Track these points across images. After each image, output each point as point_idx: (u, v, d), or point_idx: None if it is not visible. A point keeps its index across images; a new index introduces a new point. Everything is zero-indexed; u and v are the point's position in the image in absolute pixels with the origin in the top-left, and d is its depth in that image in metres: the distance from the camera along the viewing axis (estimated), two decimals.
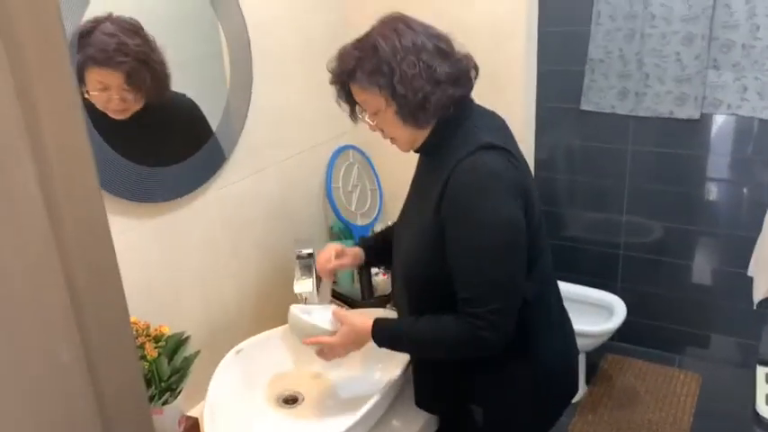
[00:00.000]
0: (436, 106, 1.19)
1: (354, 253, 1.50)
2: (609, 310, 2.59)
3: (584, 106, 2.73)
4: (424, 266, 1.26)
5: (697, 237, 2.74)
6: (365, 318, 1.31)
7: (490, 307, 1.14)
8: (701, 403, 2.61)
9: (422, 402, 1.41)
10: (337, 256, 1.47)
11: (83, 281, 0.46)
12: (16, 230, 0.43)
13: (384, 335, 1.27)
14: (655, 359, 2.88)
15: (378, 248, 1.47)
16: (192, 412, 1.43)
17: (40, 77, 0.44)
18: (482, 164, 1.15)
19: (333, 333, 1.32)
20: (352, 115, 1.30)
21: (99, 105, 1.24)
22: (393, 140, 1.29)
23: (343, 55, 1.22)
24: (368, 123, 1.28)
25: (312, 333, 1.33)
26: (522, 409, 1.32)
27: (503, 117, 1.35)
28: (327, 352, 1.33)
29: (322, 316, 1.36)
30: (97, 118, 1.24)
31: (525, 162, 1.28)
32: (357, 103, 1.27)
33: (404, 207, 1.41)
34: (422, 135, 1.25)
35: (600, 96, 2.69)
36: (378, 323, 1.28)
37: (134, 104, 1.30)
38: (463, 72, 1.22)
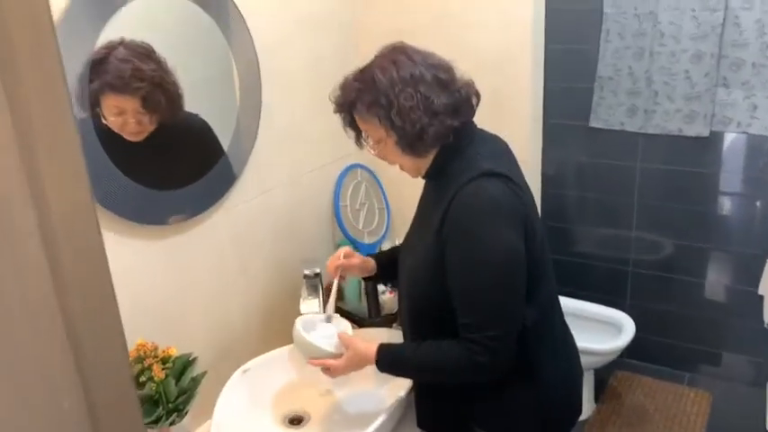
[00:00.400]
0: (434, 137, 1.20)
1: (365, 259, 1.51)
2: (617, 328, 2.58)
3: (594, 123, 2.73)
4: (426, 286, 1.27)
5: (707, 254, 2.72)
6: (369, 344, 1.32)
7: (488, 333, 1.16)
8: (712, 422, 2.58)
9: (424, 424, 1.41)
10: (346, 256, 1.48)
11: (82, 327, 0.47)
12: (17, 275, 0.44)
13: (386, 361, 1.29)
14: (665, 377, 2.86)
15: (387, 264, 1.48)
16: None
17: (39, 117, 0.45)
18: (483, 190, 1.17)
19: (337, 356, 1.34)
20: (358, 142, 1.32)
21: (115, 129, 1.27)
22: (401, 167, 1.31)
23: (344, 86, 1.25)
24: (371, 152, 1.30)
25: (317, 354, 1.35)
26: (527, 430, 1.32)
27: (508, 137, 1.37)
28: (331, 373, 1.36)
29: (327, 333, 1.39)
30: (112, 141, 1.26)
31: (528, 189, 1.29)
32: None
33: (409, 229, 1.43)
34: (424, 163, 1.27)
35: (609, 113, 2.69)
36: (381, 349, 1.30)
37: (149, 126, 1.33)
38: (463, 101, 1.23)
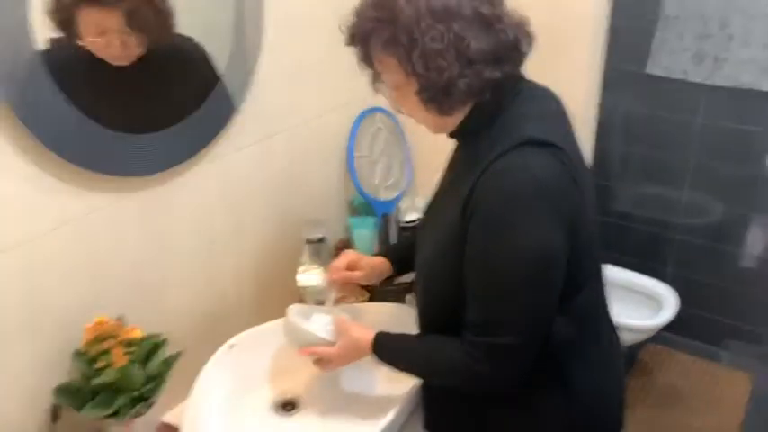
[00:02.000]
0: (465, 92, 0.94)
1: (373, 265, 1.29)
2: (657, 302, 2.34)
3: (652, 70, 2.42)
4: (443, 273, 1.05)
5: (762, 225, 2.44)
6: (367, 330, 1.14)
7: (493, 339, 0.95)
8: (752, 405, 2.37)
9: (431, 426, 1.22)
10: (350, 266, 1.26)
11: None
12: None
13: (384, 352, 1.12)
14: (701, 353, 2.64)
15: (406, 259, 1.24)
16: (174, 414, 1.26)
17: None
18: (521, 167, 0.91)
19: (332, 344, 1.16)
20: (373, 84, 1.06)
21: (98, 52, 1.07)
22: (418, 122, 1.05)
23: (359, 13, 0.98)
24: (387, 100, 1.04)
25: (310, 342, 1.18)
26: None
27: (558, 85, 1.09)
28: (324, 363, 1.18)
29: (322, 322, 1.22)
30: (77, 71, 1.06)
31: (583, 163, 1.03)
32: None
33: (432, 197, 1.18)
34: (451, 122, 1.02)
35: (671, 59, 2.36)
36: (379, 338, 1.12)
37: (135, 48, 1.12)
38: (508, 47, 0.96)
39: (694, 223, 2.56)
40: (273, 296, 1.54)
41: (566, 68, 1.54)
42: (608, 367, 1.14)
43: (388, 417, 1.16)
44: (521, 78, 1.03)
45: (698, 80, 2.34)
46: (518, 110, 0.98)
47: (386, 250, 1.34)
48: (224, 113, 1.32)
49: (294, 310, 1.23)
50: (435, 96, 0.95)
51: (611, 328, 1.18)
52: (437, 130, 1.06)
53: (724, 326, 2.62)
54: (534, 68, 1.06)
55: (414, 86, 0.96)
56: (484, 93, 0.95)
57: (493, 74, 0.93)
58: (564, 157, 0.94)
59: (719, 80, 2.30)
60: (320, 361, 1.18)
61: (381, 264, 1.30)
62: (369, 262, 1.29)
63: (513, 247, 0.92)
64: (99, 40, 1.06)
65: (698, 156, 2.46)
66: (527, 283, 0.93)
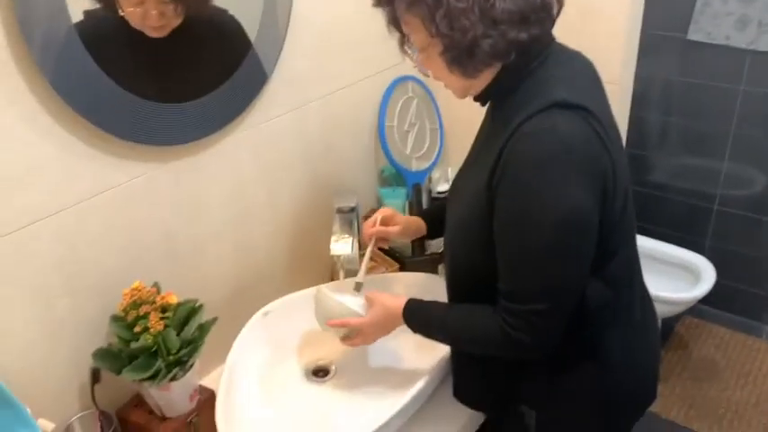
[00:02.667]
0: (489, 53, 0.92)
1: (408, 221, 1.30)
2: (695, 275, 2.30)
3: (693, 35, 2.32)
4: (470, 241, 1.04)
5: None
6: (398, 298, 1.14)
7: (531, 306, 0.94)
8: None
9: (460, 395, 1.21)
10: (385, 221, 1.26)
11: None
12: None
13: (415, 318, 1.11)
14: (739, 327, 2.59)
15: (438, 221, 1.23)
16: (209, 380, 1.29)
17: None
18: (550, 129, 0.89)
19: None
20: (402, 48, 1.05)
21: (135, 23, 1.06)
22: (446, 85, 1.03)
23: None
24: (413, 63, 1.03)
25: (341, 314, 1.17)
26: (585, 420, 1.10)
27: (593, 50, 1.06)
28: (355, 336, 1.18)
29: (354, 301, 1.20)
30: (129, 39, 1.06)
31: (615, 128, 1.01)
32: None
33: (464, 162, 1.17)
34: (476, 84, 1.00)
35: (714, 24, 2.27)
36: (410, 305, 1.11)
37: (173, 19, 1.12)
38: (537, 7, 0.92)
39: (734, 194, 2.49)
40: (305, 265, 1.55)
41: (601, 33, 1.49)
42: (642, 337, 1.12)
43: (419, 385, 1.16)
44: (551, 41, 1.00)
45: (741, 46, 2.25)
46: (547, 72, 0.95)
47: (420, 212, 1.34)
48: (256, 82, 1.32)
49: (326, 286, 1.24)
50: (459, 57, 0.93)
51: (646, 298, 1.16)
52: (462, 93, 1.04)
53: (762, 299, 2.56)
54: (568, 32, 1.04)
55: (438, 47, 0.94)
56: (509, 54, 0.93)
57: (519, 35, 0.91)
58: (594, 120, 0.91)
59: (764, 46, 2.20)
60: (348, 338, 1.18)
61: (417, 221, 1.30)
62: (404, 218, 1.30)
63: (543, 212, 0.90)
64: (137, 10, 1.06)
65: (739, 125, 2.38)
66: (558, 247, 0.91)
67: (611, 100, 1.05)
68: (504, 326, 0.96)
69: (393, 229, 1.28)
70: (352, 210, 1.39)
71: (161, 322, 1.07)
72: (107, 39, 1.04)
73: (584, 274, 0.96)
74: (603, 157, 0.92)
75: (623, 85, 1.58)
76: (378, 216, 1.28)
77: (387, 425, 1.09)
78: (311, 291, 1.37)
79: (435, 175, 1.75)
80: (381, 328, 1.16)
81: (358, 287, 1.25)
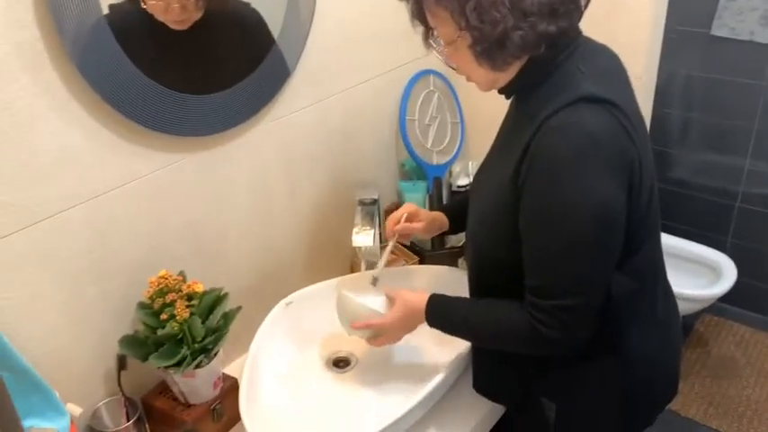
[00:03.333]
0: (519, 45, 0.91)
1: (432, 218, 1.30)
2: (716, 272, 2.28)
3: (717, 31, 2.30)
4: (494, 236, 1.04)
5: None
6: (420, 294, 1.14)
7: (560, 302, 0.94)
8: None
9: (480, 387, 1.22)
10: (409, 218, 1.27)
11: None
12: None
13: (438, 316, 1.11)
14: (759, 325, 2.56)
15: (460, 216, 1.23)
16: (232, 368, 1.31)
17: None
18: (578, 123, 0.88)
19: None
20: (426, 41, 1.05)
21: (157, 15, 1.08)
22: (469, 78, 1.03)
23: None
24: (439, 56, 1.03)
25: (362, 314, 1.18)
26: (605, 413, 1.10)
27: (618, 44, 1.05)
28: (380, 336, 1.19)
29: (375, 303, 1.21)
30: (139, 34, 1.07)
31: (642, 122, 1.00)
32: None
33: (487, 155, 1.17)
34: (503, 77, 1.00)
35: (738, 20, 2.25)
36: (433, 300, 1.11)
37: (195, 12, 1.13)
38: (565, 0, 0.92)
39: (756, 192, 2.46)
40: (327, 256, 1.56)
41: (626, 27, 1.49)
42: (664, 333, 1.12)
43: (439, 376, 1.17)
44: (578, 34, 1.00)
45: (766, 41, 2.22)
46: (574, 66, 0.95)
47: (442, 207, 1.34)
48: (279, 77, 1.33)
49: (346, 290, 1.24)
50: (489, 50, 0.93)
51: (669, 294, 1.15)
52: (488, 86, 1.03)
53: None
54: (593, 26, 1.03)
55: (467, 40, 0.94)
56: (538, 46, 0.93)
57: (548, 27, 0.91)
58: (620, 114, 0.91)
59: None
60: (374, 339, 1.19)
61: (440, 217, 1.31)
62: (428, 214, 1.30)
63: (571, 207, 0.90)
64: (159, 2, 1.07)
65: (762, 121, 2.35)
66: (587, 242, 0.91)
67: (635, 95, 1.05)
68: (534, 322, 0.96)
69: (417, 225, 1.28)
70: (374, 202, 1.40)
71: (187, 310, 1.09)
72: (133, 31, 1.06)
73: (611, 268, 0.96)
74: (630, 150, 0.92)
75: (647, 80, 1.57)
76: (403, 213, 1.28)
77: (406, 416, 1.10)
78: (333, 282, 1.39)
79: (456, 168, 1.75)
80: (404, 326, 1.17)
81: (374, 281, 1.26)
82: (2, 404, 0.38)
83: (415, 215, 1.29)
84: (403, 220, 1.28)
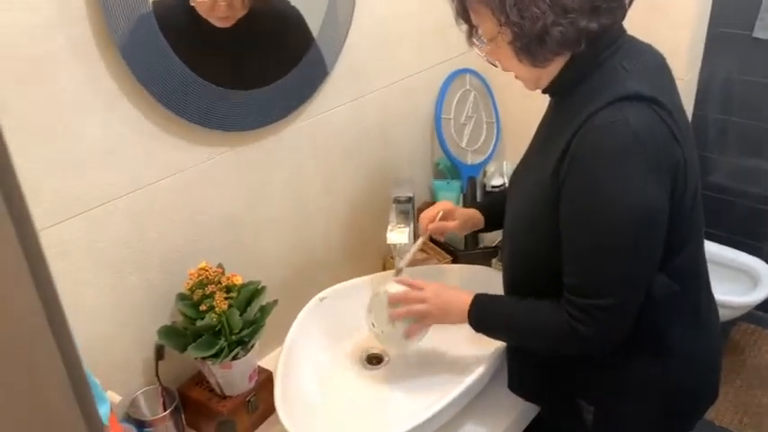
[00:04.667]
0: (559, 41, 0.91)
1: (467, 216, 1.29)
2: (753, 278, 2.23)
3: (759, 33, 2.25)
4: (533, 235, 1.03)
5: None
6: (460, 290, 1.14)
7: (598, 301, 0.93)
8: None
9: (516, 387, 1.21)
10: (444, 216, 1.27)
11: None
12: None
13: (481, 314, 1.09)
14: None
15: (496, 215, 1.23)
16: (266, 361, 1.32)
17: None
18: (622, 122, 0.87)
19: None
20: (469, 39, 1.05)
21: (203, 12, 1.10)
22: (516, 76, 1.03)
23: None
24: (481, 54, 1.03)
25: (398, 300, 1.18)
26: (645, 417, 1.09)
27: (661, 45, 1.04)
28: (420, 321, 1.17)
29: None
30: (186, 29, 1.09)
31: (686, 121, 0.99)
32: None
33: (525, 154, 1.16)
34: (546, 74, 0.99)
35: None
36: (478, 300, 1.10)
37: (240, 10, 1.15)
38: None
39: None
40: (361, 253, 1.57)
41: (669, 27, 1.47)
42: (705, 336, 1.10)
43: (473, 375, 1.16)
44: (622, 32, 0.99)
45: None
46: (617, 63, 0.94)
47: (477, 204, 1.33)
48: (317, 75, 1.34)
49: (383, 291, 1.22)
50: (529, 45, 0.93)
51: (711, 298, 1.13)
52: (533, 84, 1.03)
53: None
54: (635, 25, 1.02)
55: (507, 36, 0.94)
56: (579, 43, 0.92)
57: (589, 24, 0.90)
58: (665, 114, 0.90)
59: None
60: (413, 329, 1.17)
61: (475, 215, 1.30)
62: (463, 212, 1.30)
63: (612, 206, 0.89)
64: (205, 0, 1.09)
65: None
66: (628, 242, 0.90)
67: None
68: (571, 320, 0.95)
69: (452, 224, 1.28)
70: (409, 200, 1.40)
71: (226, 302, 1.10)
72: (178, 26, 1.07)
73: (652, 269, 0.95)
74: (675, 150, 0.91)
75: (689, 81, 1.55)
76: (439, 210, 1.28)
77: (439, 414, 1.10)
78: (366, 279, 1.39)
79: (490, 169, 1.75)
80: (443, 307, 1.13)
81: (398, 272, 1.26)
82: (78, 380, 0.39)
83: (451, 213, 1.29)
84: (438, 218, 1.28)
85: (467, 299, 1.10)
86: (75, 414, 0.41)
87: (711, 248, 2.30)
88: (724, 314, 2.13)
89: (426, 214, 1.29)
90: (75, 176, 1.00)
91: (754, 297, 2.12)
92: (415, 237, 1.33)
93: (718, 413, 2.17)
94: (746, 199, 2.51)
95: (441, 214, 1.28)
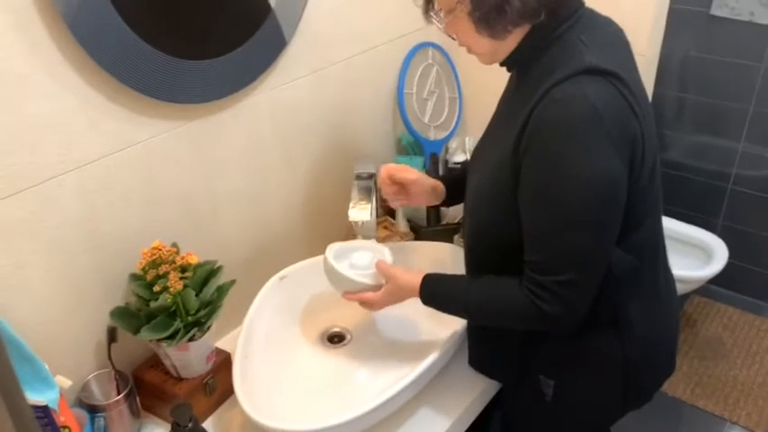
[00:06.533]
0: (519, 12, 0.90)
1: (432, 186, 1.26)
2: (707, 253, 2.29)
3: (716, 11, 2.28)
4: (491, 211, 1.03)
5: None
6: (412, 275, 1.12)
7: (559, 277, 0.93)
8: None
9: (476, 363, 1.21)
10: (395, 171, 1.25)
11: None
12: None
13: (432, 296, 1.10)
14: (748, 308, 2.58)
15: (461, 189, 1.20)
16: (223, 342, 1.29)
17: None
18: (580, 96, 0.87)
19: (375, 287, 1.16)
20: (426, 13, 1.02)
21: None
22: (470, 50, 1.01)
23: None
24: (439, 27, 1.01)
25: (351, 288, 1.18)
26: (604, 390, 1.10)
27: (620, 21, 1.03)
28: (369, 306, 1.18)
29: (363, 262, 1.20)
30: None
31: (644, 94, 0.98)
32: None
33: (486, 129, 1.15)
34: (504, 47, 0.98)
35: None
36: (426, 282, 1.10)
37: None
38: None
39: (749, 175, 2.47)
40: (322, 230, 1.54)
41: (630, 3, 1.46)
42: (664, 310, 1.12)
43: (434, 353, 1.15)
44: (581, 4, 0.97)
45: (766, 22, 2.21)
46: (576, 36, 0.93)
47: (441, 177, 1.31)
48: (274, 45, 1.29)
49: (333, 251, 1.21)
50: (488, 16, 0.91)
51: (668, 271, 1.15)
52: (490, 58, 1.01)
53: None
54: (596, 1, 1.01)
55: (466, 7, 0.92)
56: (538, 13, 0.91)
57: None
58: (623, 87, 0.89)
59: None
60: (365, 303, 1.18)
61: (439, 186, 1.26)
62: (427, 179, 1.26)
63: (571, 181, 0.88)
64: None
65: (759, 104, 2.34)
66: (587, 217, 0.90)
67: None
68: (532, 297, 0.95)
69: (412, 175, 1.23)
70: (371, 176, 1.37)
71: (180, 282, 1.06)
72: None
73: (611, 244, 0.95)
74: (633, 124, 0.91)
75: (650, 57, 1.55)
76: (383, 170, 1.24)
77: (401, 393, 1.09)
78: None
79: (452, 145, 1.73)
80: (395, 301, 1.16)
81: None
82: (3, 372, 0.35)
83: (402, 169, 1.25)
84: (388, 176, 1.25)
85: (416, 282, 1.10)
86: None
87: (667, 224, 2.34)
88: (679, 288, 2.17)
89: (381, 180, 1.25)
90: (15, 151, 0.94)
91: (708, 271, 2.17)
92: (378, 214, 1.31)
93: (670, 384, 2.23)
94: (702, 175, 2.57)
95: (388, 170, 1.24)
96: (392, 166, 1.25)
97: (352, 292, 1.18)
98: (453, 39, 1.03)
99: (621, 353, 1.06)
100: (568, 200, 0.89)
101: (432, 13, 1.01)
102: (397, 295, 1.14)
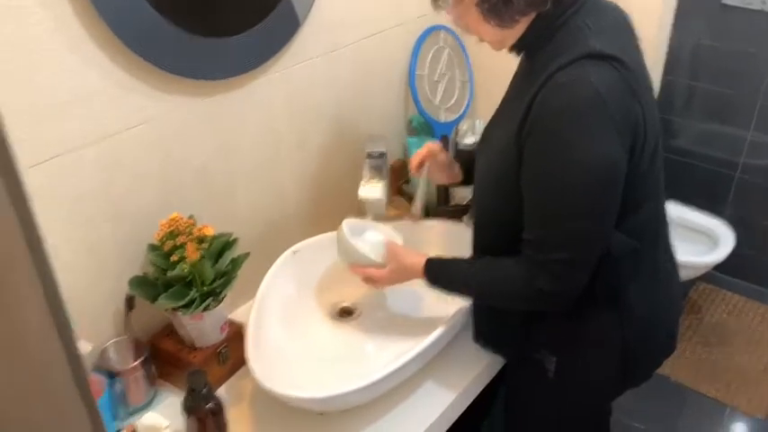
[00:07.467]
0: (527, 1, 0.93)
1: (451, 160, 1.31)
2: (713, 240, 2.30)
3: (728, 0, 2.28)
4: (497, 192, 1.06)
5: None
6: (417, 257, 1.15)
7: (556, 256, 0.95)
8: None
9: (480, 339, 1.24)
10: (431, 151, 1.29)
11: None
12: None
13: (436, 277, 1.13)
14: (752, 295, 2.60)
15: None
16: (237, 314, 1.32)
17: None
18: (583, 80, 0.89)
19: (381, 266, 1.20)
20: (435, 2, 1.04)
21: None
22: (480, 39, 1.03)
23: None
24: (448, 17, 1.04)
25: (361, 262, 1.21)
26: (605, 367, 1.13)
27: (629, 6, 1.05)
28: (373, 283, 1.22)
29: (374, 240, 1.24)
30: None
31: (647, 79, 1.00)
32: None
33: (495, 111, 1.17)
34: (512, 34, 1.00)
35: None
36: (430, 265, 1.13)
37: None
38: None
39: (757, 163, 2.47)
40: (333, 208, 1.57)
41: None
42: (665, 291, 1.14)
43: (440, 328, 1.19)
44: None
45: None
46: (581, 22, 0.95)
47: (456, 157, 1.34)
48: (289, 26, 1.31)
49: (348, 224, 1.25)
50: (496, 6, 0.94)
51: (670, 255, 1.17)
52: (498, 45, 1.04)
53: None
54: None
55: None
56: (545, 2, 0.93)
57: None
58: (626, 72, 0.91)
59: None
60: (369, 279, 1.21)
61: (456, 165, 1.31)
62: (449, 156, 1.31)
63: (571, 163, 0.91)
64: None
65: (767, 93, 2.35)
66: (586, 198, 0.92)
67: (645, 61, 1.05)
68: (529, 276, 0.98)
69: (443, 157, 1.29)
70: (382, 155, 1.40)
71: (197, 252, 1.10)
72: None
73: (609, 225, 0.97)
74: (635, 109, 0.93)
75: (658, 44, 1.57)
76: (426, 146, 1.29)
77: (407, 364, 1.12)
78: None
79: (463, 127, 1.75)
80: (399, 281, 1.20)
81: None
82: (60, 321, 0.39)
83: (439, 150, 1.29)
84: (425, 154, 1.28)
85: (420, 264, 1.13)
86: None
87: (674, 210, 2.37)
88: (684, 274, 2.19)
89: (415, 154, 1.29)
90: (39, 123, 0.97)
91: (713, 258, 2.19)
92: (388, 192, 1.34)
93: (674, 369, 2.26)
94: (710, 163, 2.58)
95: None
96: (433, 150, 1.28)
97: (358, 264, 1.21)
98: (462, 26, 1.05)
99: (620, 333, 1.08)
100: (567, 181, 0.92)
101: (441, 2, 1.04)
102: (401, 275, 1.17)
